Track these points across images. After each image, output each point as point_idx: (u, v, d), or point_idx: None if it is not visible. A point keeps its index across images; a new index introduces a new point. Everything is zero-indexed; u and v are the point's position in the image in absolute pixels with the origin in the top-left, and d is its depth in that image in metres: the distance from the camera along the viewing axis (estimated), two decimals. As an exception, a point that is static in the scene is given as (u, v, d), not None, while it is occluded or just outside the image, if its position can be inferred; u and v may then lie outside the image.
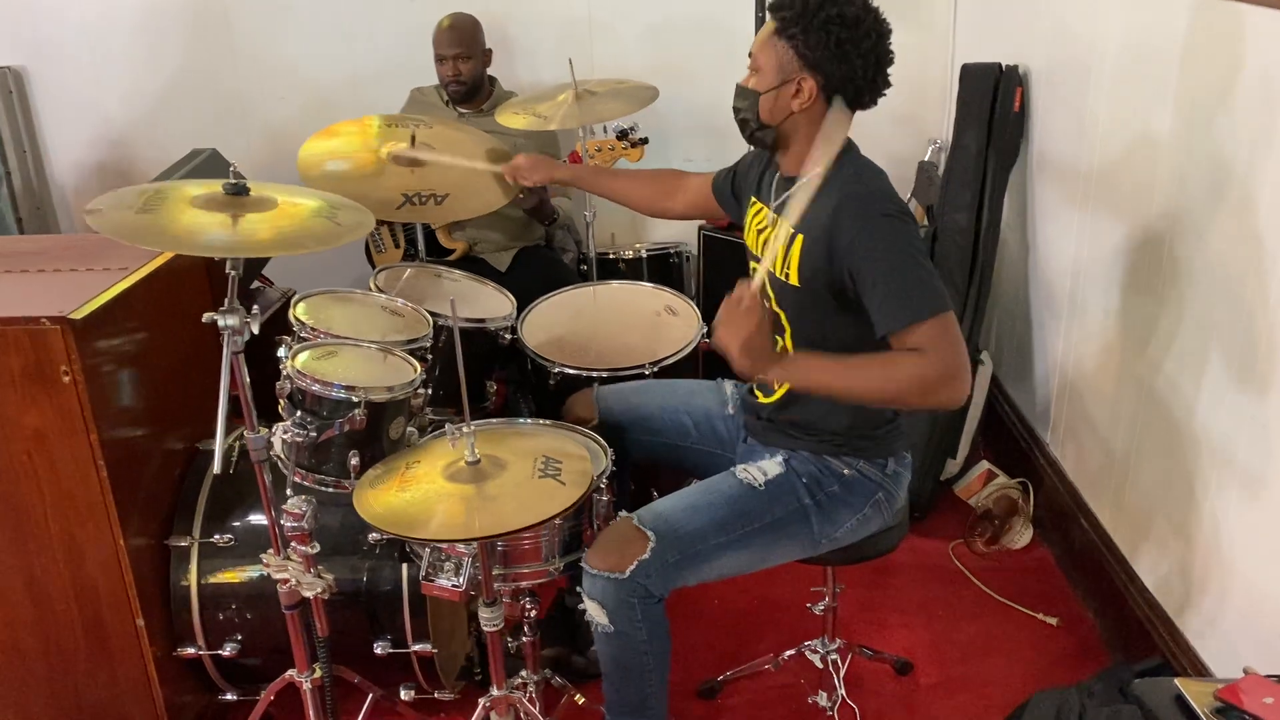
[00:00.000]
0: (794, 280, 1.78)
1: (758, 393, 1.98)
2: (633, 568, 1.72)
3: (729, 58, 3.56)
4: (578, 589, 1.80)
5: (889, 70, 1.75)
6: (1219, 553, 1.97)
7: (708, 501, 1.83)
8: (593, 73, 3.30)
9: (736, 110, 1.83)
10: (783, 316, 1.83)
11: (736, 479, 1.86)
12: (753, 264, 1.91)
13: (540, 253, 3.33)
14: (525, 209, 3.04)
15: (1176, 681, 1.50)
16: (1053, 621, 2.47)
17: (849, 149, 1.81)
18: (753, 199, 1.95)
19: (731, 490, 1.84)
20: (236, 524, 2.12)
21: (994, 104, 2.88)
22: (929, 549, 2.76)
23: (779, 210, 1.84)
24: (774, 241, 1.79)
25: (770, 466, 1.87)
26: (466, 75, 3.17)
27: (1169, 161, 2.10)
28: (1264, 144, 1.77)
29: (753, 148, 1.91)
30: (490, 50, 3.26)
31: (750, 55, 1.79)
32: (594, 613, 1.75)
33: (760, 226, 1.90)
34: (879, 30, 1.71)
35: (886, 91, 1.77)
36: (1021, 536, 2.76)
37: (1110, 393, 2.41)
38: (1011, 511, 2.79)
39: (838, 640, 2.20)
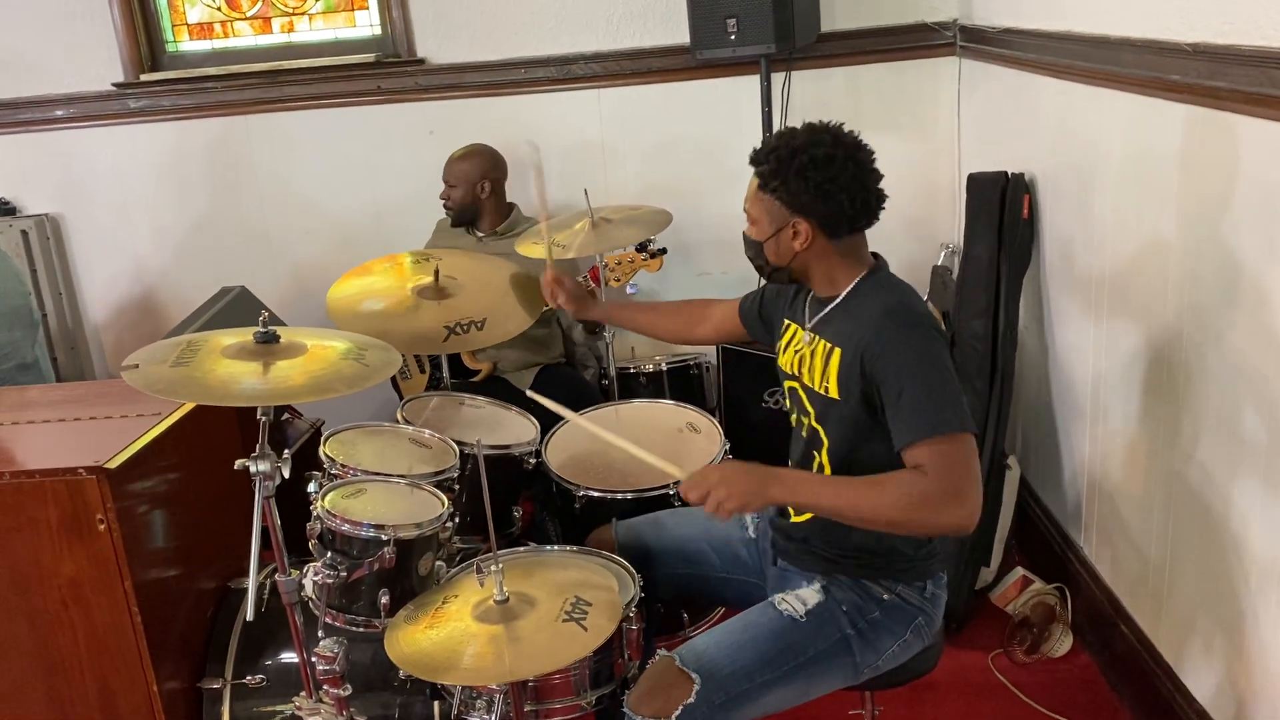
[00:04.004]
0: (833, 393, 1.80)
1: (791, 510, 1.97)
2: (678, 713, 1.68)
3: (736, 175, 3.66)
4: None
5: (879, 189, 1.80)
6: (1265, 659, 1.93)
7: (750, 637, 1.80)
8: (607, 192, 3.40)
9: (749, 258, 1.91)
10: (821, 431, 1.85)
11: (777, 611, 1.83)
12: (788, 383, 1.95)
13: (561, 370, 3.38)
14: (580, 319, 3.14)
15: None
16: (1100, 734, 2.41)
17: (880, 266, 1.86)
18: (786, 321, 1.99)
19: (773, 624, 1.81)
20: (268, 663, 2.12)
21: (1002, 211, 2.93)
22: (968, 661, 2.70)
23: (816, 330, 1.88)
24: (811, 358, 1.85)
25: (809, 595, 1.84)
26: (453, 201, 3.31)
27: (1178, 265, 2.13)
28: (1268, 247, 1.80)
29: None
30: (489, 182, 3.29)
31: (745, 210, 1.87)
32: None
33: (797, 347, 1.92)
34: (856, 159, 1.76)
35: (885, 205, 1.82)
36: (1062, 644, 2.70)
37: (1140, 495, 2.39)
38: (1050, 618, 2.74)
39: (880, 763, 2.15)
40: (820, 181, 1.74)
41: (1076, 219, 2.67)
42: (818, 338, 1.86)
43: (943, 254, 3.59)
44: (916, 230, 3.70)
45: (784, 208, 1.78)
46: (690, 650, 1.78)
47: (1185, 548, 2.20)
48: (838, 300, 1.84)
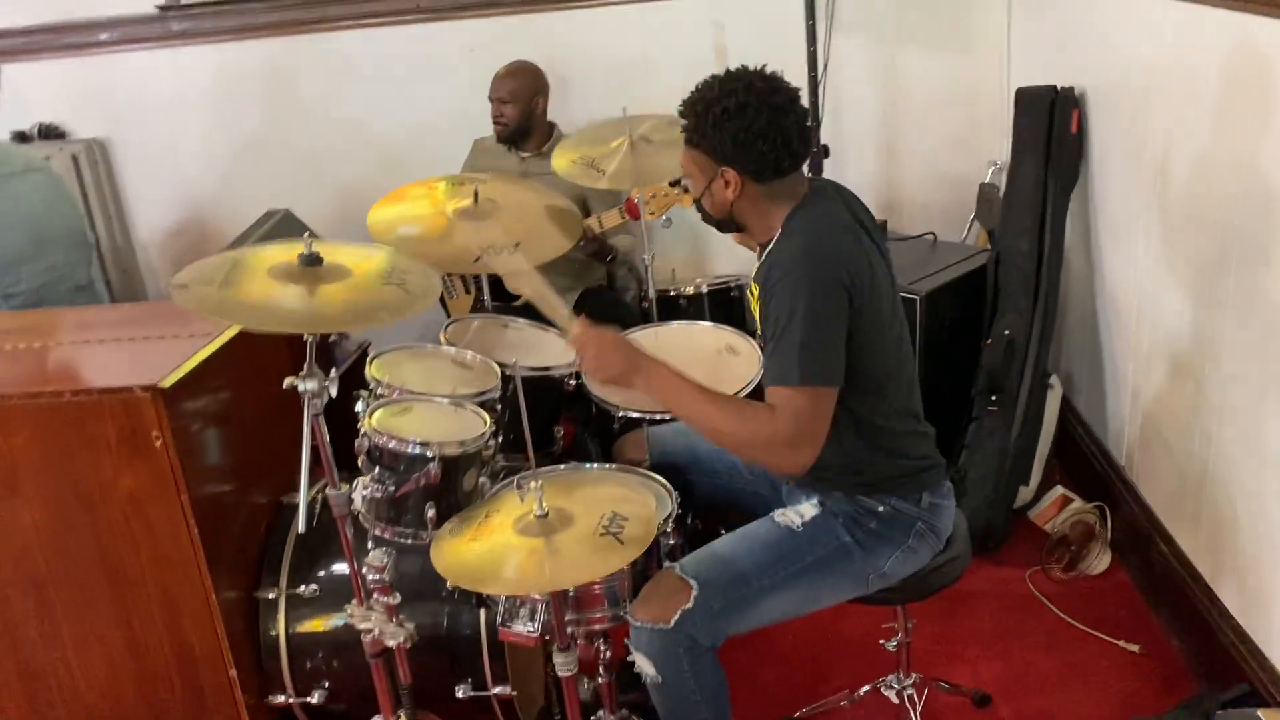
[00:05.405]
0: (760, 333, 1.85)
1: None
2: (677, 618, 1.75)
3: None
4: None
5: (801, 129, 1.81)
6: (1302, 578, 1.94)
7: (748, 546, 1.86)
8: (649, 109, 3.36)
9: (700, 215, 1.94)
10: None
11: (775, 522, 1.89)
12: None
13: (603, 293, 3.40)
14: (587, 254, 3.12)
15: (1260, 713, 1.48)
16: (1134, 649, 2.43)
17: (808, 198, 1.85)
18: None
19: (770, 534, 1.88)
20: (321, 574, 2.20)
21: (1050, 127, 2.87)
22: (1005, 577, 2.73)
23: (757, 275, 1.88)
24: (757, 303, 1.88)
25: (807, 509, 1.90)
26: (508, 118, 3.31)
27: (1228, 182, 2.08)
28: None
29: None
30: (541, 98, 3.33)
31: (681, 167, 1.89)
32: (641, 665, 1.78)
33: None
34: (770, 104, 1.76)
35: (811, 144, 1.83)
36: (1100, 562, 2.72)
37: (1183, 414, 2.37)
38: (1089, 536, 2.75)
39: (914, 675, 2.20)
40: (735, 131, 1.76)
41: (1126, 134, 2.61)
42: (755, 284, 1.88)
43: (990, 171, 3.52)
44: (963, 147, 3.63)
45: (709, 159, 1.80)
46: (691, 559, 1.84)
47: (1225, 466, 2.19)
48: (769, 246, 1.86)
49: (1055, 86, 2.90)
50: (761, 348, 1.92)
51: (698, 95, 1.82)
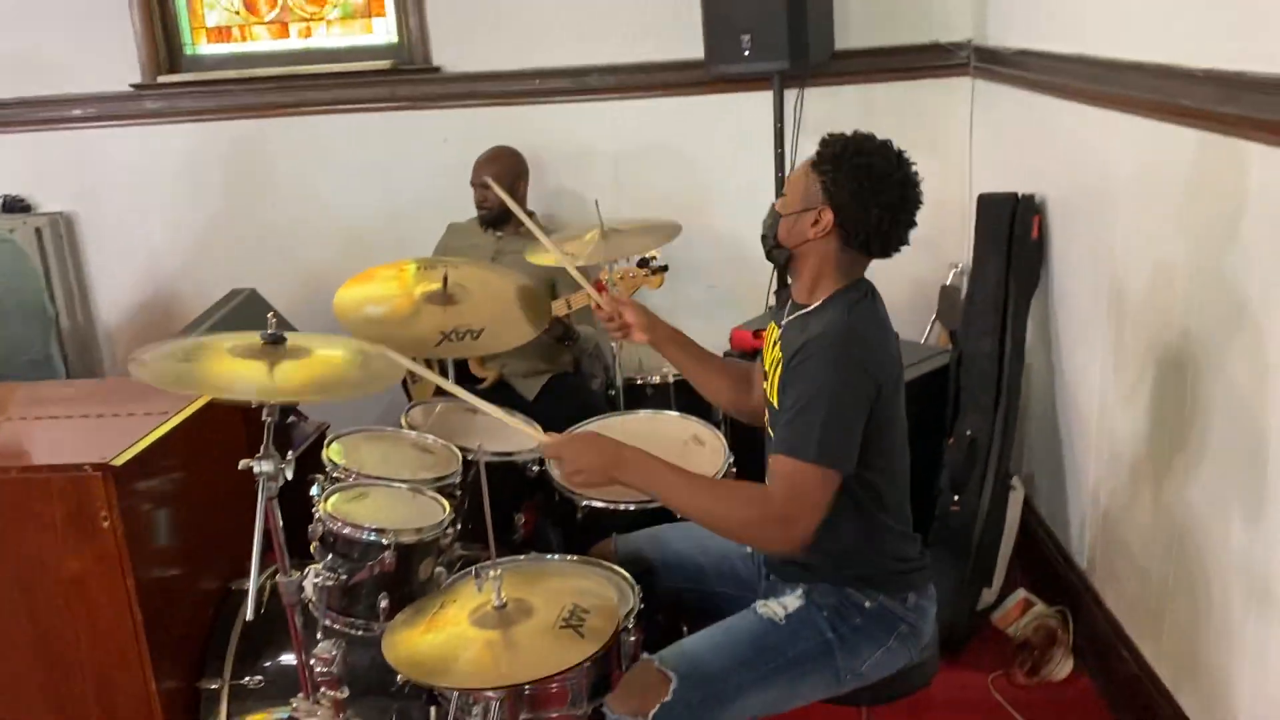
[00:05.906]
0: (773, 400, 1.83)
1: None
2: (655, 711, 1.70)
3: (750, 190, 3.69)
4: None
5: (906, 230, 1.81)
6: (1265, 685, 1.92)
7: (730, 639, 1.82)
8: (619, 202, 3.42)
9: (764, 226, 1.91)
10: (773, 437, 1.86)
11: (758, 615, 1.85)
12: (764, 383, 1.95)
13: (568, 380, 3.38)
14: (552, 336, 3.13)
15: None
16: (1098, 758, 2.40)
17: (860, 286, 1.86)
18: (772, 323, 2.01)
19: (753, 626, 1.84)
20: (267, 664, 2.13)
21: (1011, 233, 2.94)
22: (967, 682, 2.69)
23: (782, 333, 1.88)
24: (773, 364, 1.86)
25: (791, 601, 1.86)
26: (491, 203, 3.33)
27: (1184, 291, 2.13)
28: (1274, 277, 1.80)
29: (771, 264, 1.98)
30: (522, 183, 3.38)
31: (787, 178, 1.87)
32: None
33: (771, 349, 1.94)
34: (904, 194, 1.78)
35: (902, 247, 1.83)
36: (1062, 667, 2.69)
37: (1144, 519, 2.38)
38: (1051, 641, 2.73)
39: (875, 780, 2.14)
40: (865, 188, 1.76)
41: (1086, 242, 2.67)
42: (778, 344, 1.88)
43: (951, 274, 3.59)
44: (926, 249, 3.68)
45: (821, 192, 1.79)
46: (671, 651, 1.80)
47: (1186, 572, 2.19)
48: (806, 310, 1.86)
49: (1016, 194, 2.98)
50: (766, 381, 1.90)
51: (854, 137, 1.81)
